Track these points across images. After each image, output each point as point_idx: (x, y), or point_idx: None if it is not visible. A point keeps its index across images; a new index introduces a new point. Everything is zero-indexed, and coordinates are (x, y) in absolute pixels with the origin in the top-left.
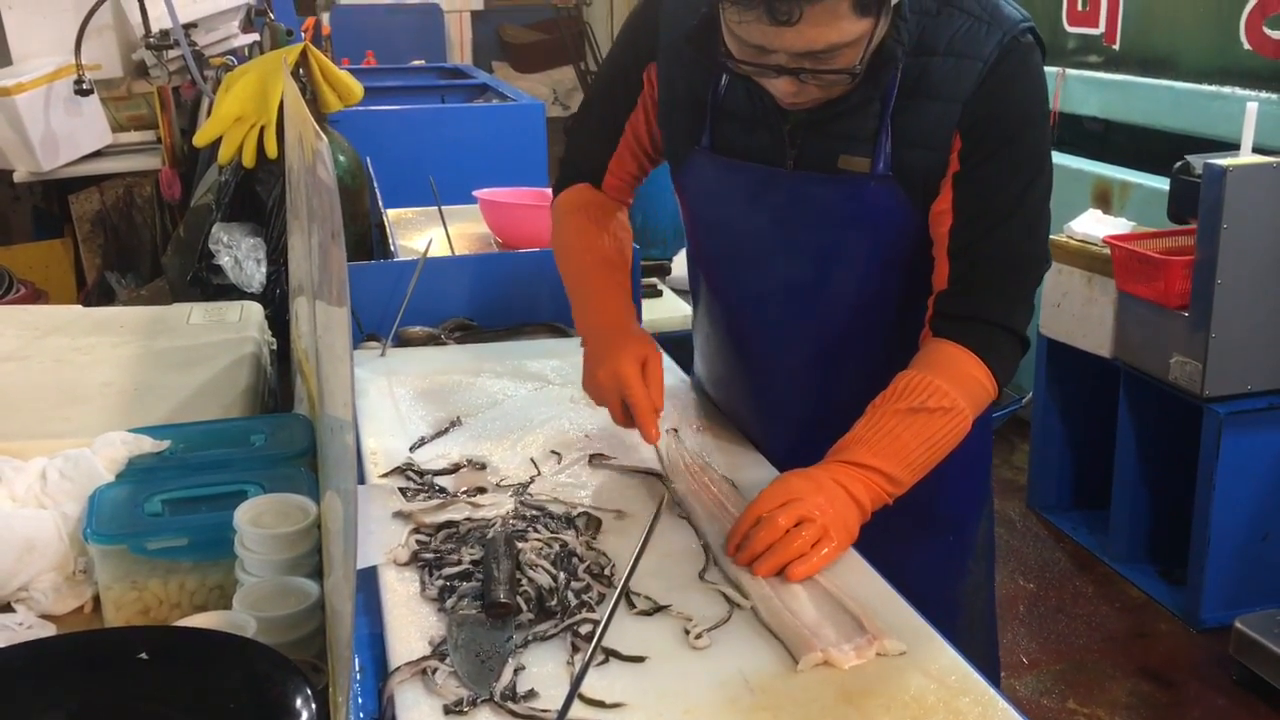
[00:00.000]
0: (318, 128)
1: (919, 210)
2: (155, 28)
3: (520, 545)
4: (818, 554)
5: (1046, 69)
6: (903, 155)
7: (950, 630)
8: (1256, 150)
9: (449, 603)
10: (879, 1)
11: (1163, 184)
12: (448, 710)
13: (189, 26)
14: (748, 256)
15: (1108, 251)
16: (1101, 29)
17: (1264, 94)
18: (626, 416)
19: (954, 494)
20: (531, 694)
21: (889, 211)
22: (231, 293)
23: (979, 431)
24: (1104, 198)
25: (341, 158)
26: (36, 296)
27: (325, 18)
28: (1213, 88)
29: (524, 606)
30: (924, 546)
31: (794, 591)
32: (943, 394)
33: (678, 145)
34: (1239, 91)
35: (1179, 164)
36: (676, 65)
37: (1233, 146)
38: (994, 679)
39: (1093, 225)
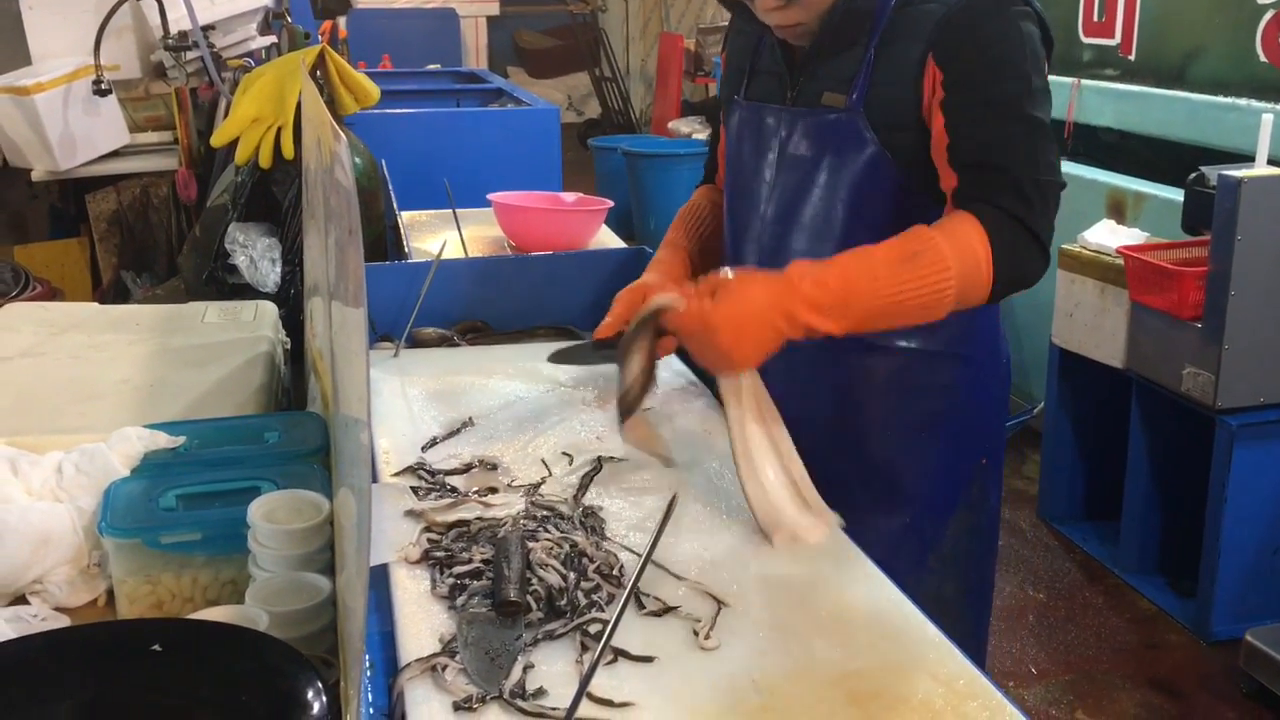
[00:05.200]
0: (336, 128)
1: (885, 146)
2: (174, 29)
3: (531, 545)
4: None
5: (1062, 78)
6: (875, 92)
7: None
8: (1271, 162)
9: (459, 601)
10: None
11: (1177, 195)
12: (457, 707)
13: (207, 28)
14: (752, 189)
15: (1121, 262)
16: (1117, 40)
17: (1279, 106)
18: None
19: (916, 468)
20: (540, 692)
21: (855, 143)
22: (246, 292)
23: (959, 419)
24: (1118, 208)
25: (357, 160)
26: (52, 295)
27: (342, 21)
28: (1228, 99)
29: (534, 605)
30: (879, 519)
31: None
32: (924, 238)
33: (727, 103)
34: (1254, 103)
35: (1193, 175)
36: (736, 41)
37: (1247, 158)
38: None
39: (1106, 235)
